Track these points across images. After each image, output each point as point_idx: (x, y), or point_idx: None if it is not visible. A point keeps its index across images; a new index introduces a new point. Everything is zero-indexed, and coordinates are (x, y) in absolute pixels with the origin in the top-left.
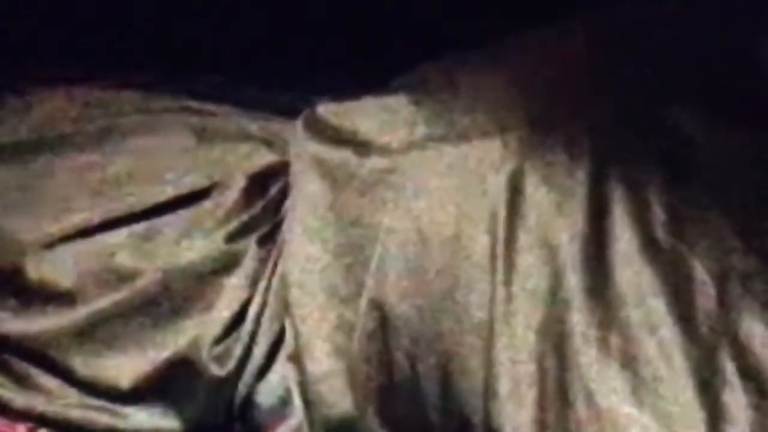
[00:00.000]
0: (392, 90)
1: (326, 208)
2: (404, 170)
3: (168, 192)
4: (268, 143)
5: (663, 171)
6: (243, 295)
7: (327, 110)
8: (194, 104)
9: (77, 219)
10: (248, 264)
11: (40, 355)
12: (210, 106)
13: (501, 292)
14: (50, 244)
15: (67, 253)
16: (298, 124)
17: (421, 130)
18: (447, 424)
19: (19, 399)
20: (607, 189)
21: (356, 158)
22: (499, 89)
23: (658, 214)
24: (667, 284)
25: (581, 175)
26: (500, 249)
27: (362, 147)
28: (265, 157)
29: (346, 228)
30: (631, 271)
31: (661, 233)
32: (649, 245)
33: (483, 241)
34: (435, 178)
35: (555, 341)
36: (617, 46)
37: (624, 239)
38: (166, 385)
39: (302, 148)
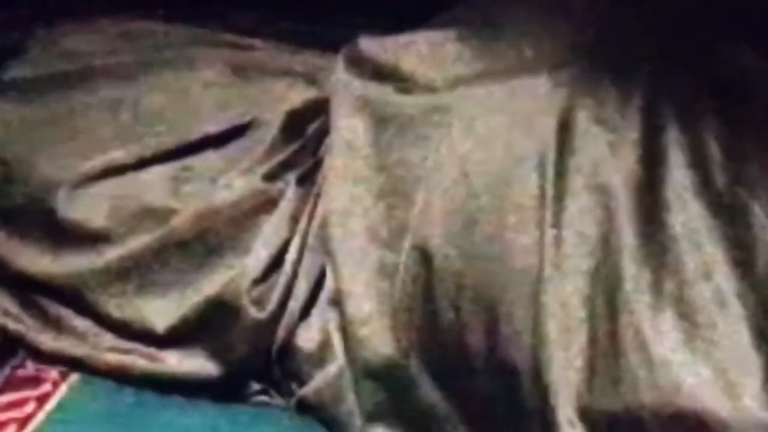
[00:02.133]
0: (436, 24)
1: (368, 147)
2: (449, 108)
3: (203, 129)
4: (308, 79)
5: (719, 108)
6: (282, 235)
7: (369, 45)
8: (231, 38)
9: (109, 157)
10: (287, 204)
11: (72, 296)
12: (247, 40)
13: (550, 235)
14: (82, 183)
15: (100, 192)
16: (339, 59)
17: (466, 67)
18: (492, 370)
19: (50, 342)
20: (661, 128)
21: (399, 95)
22: (547, 24)
23: (715, 154)
24: (723, 228)
25: (634, 113)
26: (549, 191)
27: (405, 83)
28: (304, 94)
29: (388, 168)
30: (687, 214)
31: (718, 174)
32: (706, 187)
33: (532, 182)
34: (481, 116)
35: (606, 286)
36: None
37: (680, 181)
38: (203, 328)
39: (343, 84)
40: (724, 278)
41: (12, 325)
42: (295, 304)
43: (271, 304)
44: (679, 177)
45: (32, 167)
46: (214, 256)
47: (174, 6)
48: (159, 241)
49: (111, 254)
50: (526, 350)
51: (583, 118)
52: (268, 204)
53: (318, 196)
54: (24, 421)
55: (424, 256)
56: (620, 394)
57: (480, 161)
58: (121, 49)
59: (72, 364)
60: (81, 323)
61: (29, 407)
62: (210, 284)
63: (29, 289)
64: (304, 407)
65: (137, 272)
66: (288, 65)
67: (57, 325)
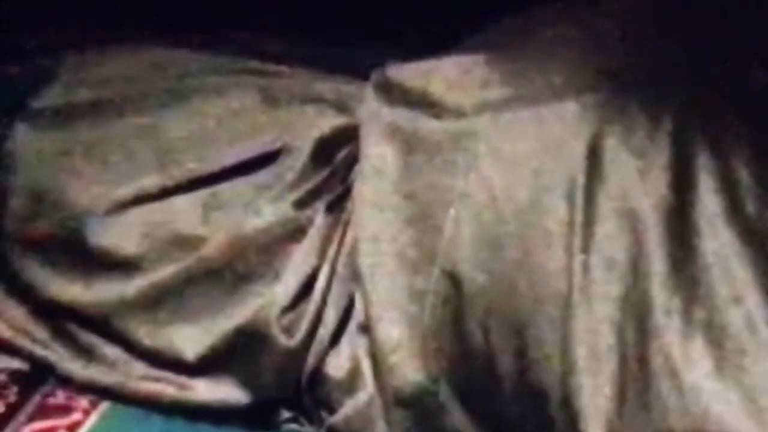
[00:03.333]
0: (464, 49)
1: (396, 173)
2: (478, 133)
3: (233, 156)
4: (337, 106)
5: (749, 133)
6: (311, 263)
7: (398, 71)
8: (260, 65)
9: (140, 184)
10: (316, 231)
11: (102, 324)
12: (276, 67)
13: (579, 261)
14: (112, 211)
15: (130, 219)
16: (368, 85)
17: (495, 92)
18: (521, 396)
19: (81, 371)
20: (690, 153)
21: (428, 120)
22: (575, 48)
23: (745, 180)
24: (753, 254)
25: (663, 138)
26: (578, 216)
27: (434, 109)
28: (333, 120)
29: (417, 194)
30: (717, 240)
31: (748, 200)
32: (736, 213)
33: (560, 207)
34: (509, 141)
35: (635, 313)
36: (687, 4)
37: (709, 207)
38: (233, 356)
39: (372, 110)
40: (755, 305)
41: (42, 353)
42: (324, 332)
43: (301, 332)
44: (709, 202)
45: (63, 195)
46: (244, 284)
47: (202, 33)
48: (189, 268)
49: (141, 282)
50: (556, 375)
51: (612, 144)
52: (298, 231)
53: (347, 223)
54: None
55: (453, 281)
56: (650, 421)
57: (508, 187)
58: (150, 77)
59: (102, 392)
60: (111, 351)
61: None
62: (240, 312)
63: (60, 317)
64: None
65: (167, 300)
66: (317, 92)
67: (87, 354)
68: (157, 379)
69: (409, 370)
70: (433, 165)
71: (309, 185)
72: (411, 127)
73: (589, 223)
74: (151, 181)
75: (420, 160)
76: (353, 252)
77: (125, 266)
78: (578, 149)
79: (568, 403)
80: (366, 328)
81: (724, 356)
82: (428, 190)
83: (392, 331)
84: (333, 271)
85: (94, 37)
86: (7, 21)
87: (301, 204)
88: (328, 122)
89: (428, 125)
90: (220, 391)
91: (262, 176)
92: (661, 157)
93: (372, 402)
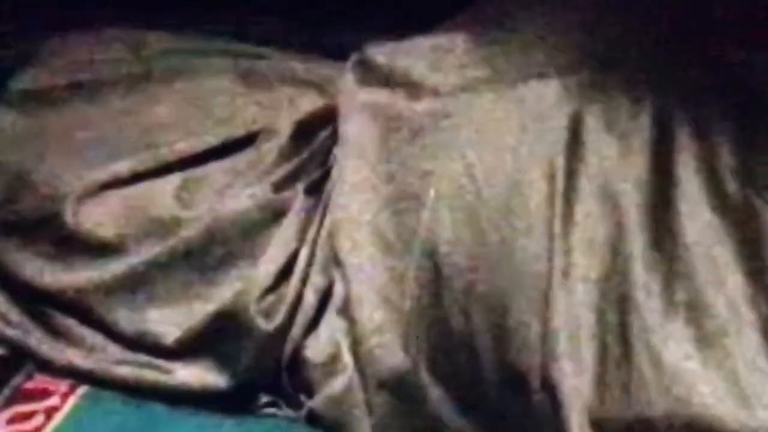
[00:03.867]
0: (445, 30)
1: (376, 155)
2: (457, 113)
3: (212, 139)
4: (316, 87)
5: (730, 113)
6: (291, 246)
7: (377, 52)
8: (239, 47)
9: (117, 167)
10: (296, 214)
11: (80, 308)
12: (256, 49)
13: (559, 242)
14: (89, 193)
15: (108, 201)
16: (348, 66)
17: (474, 71)
18: (501, 380)
19: (59, 355)
20: (672, 134)
21: (407, 101)
22: (557, 29)
23: (727, 160)
24: (735, 235)
25: (644, 119)
26: (559, 197)
27: (413, 89)
28: (313, 102)
29: (397, 175)
30: (698, 221)
31: (729, 180)
32: (718, 193)
33: (540, 188)
34: (490, 121)
35: (616, 295)
36: None
37: (690, 187)
38: (213, 339)
39: (351, 91)
40: (736, 285)
41: (19, 337)
42: (303, 315)
43: (280, 315)
44: (689, 183)
45: (39, 178)
46: (223, 267)
47: (182, 16)
48: (167, 252)
49: (119, 265)
50: (536, 358)
51: (592, 124)
52: (277, 214)
53: (327, 205)
54: None
55: (433, 263)
56: (631, 404)
57: (488, 168)
58: (128, 60)
59: (80, 376)
60: (90, 335)
61: (37, 420)
62: (219, 296)
63: (37, 301)
64: (314, 419)
65: (145, 283)
66: (296, 74)
67: (65, 338)
68: (135, 363)
69: (390, 354)
70: (412, 146)
71: (288, 167)
72: (390, 107)
73: (569, 204)
74: (128, 164)
75: (399, 142)
76: (333, 235)
77: (103, 249)
78: (559, 129)
79: (548, 386)
80: (346, 312)
81: (706, 337)
82: (408, 171)
83: (372, 314)
84: (312, 254)
85: (72, 19)
86: None
87: (280, 186)
88: (307, 104)
89: (408, 106)
90: (199, 375)
91: (240, 159)
92: (641, 137)
93: (352, 386)
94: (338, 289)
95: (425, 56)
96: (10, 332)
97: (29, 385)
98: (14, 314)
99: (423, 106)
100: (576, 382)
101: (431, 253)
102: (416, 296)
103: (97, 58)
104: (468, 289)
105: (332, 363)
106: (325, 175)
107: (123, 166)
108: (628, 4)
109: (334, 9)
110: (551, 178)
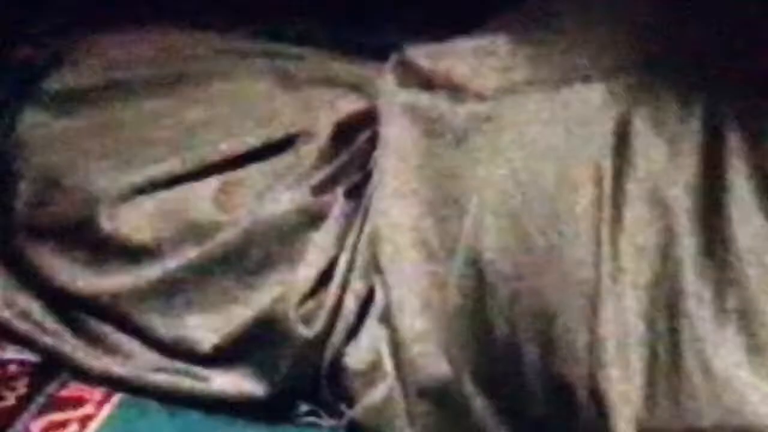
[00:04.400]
0: (488, 30)
1: (418, 158)
2: (502, 117)
3: (250, 141)
4: (356, 88)
5: None
6: (330, 251)
7: (418, 53)
8: (277, 47)
9: (154, 170)
10: (335, 218)
11: (116, 314)
12: (294, 49)
13: (607, 248)
14: (125, 196)
15: (143, 205)
16: (388, 67)
17: (519, 74)
18: (547, 390)
19: (94, 362)
20: (723, 137)
21: (450, 104)
22: (604, 29)
23: None
24: None
25: (694, 122)
26: (606, 202)
27: (456, 92)
28: (352, 104)
29: (439, 179)
30: (750, 227)
31: None
32: None
33: (587, 193)
34: (535, 125)
35: (666, 302)
36: None
37: (742, 192)
38: (250, 346)
39: (392, 93)
40: None
41: (54, 345)
42: (344, 322)
43: (320, 321)
44: (740, 188)
45: (74, 181)
46: (261, 273)
47: (218, 15)
48: (204, 256)
49: (155, 270)
50: (584, 368)
51: (640, 127)
52: (317, 218)
53: (367, 209)
54: None
55: (477, 269)
56: (682, 412)
57: (533, 172)
58: (164, 60)
59: (115, 384)
60: (125, 342)
61: (72, 429)
62: (257, 301)
63: (72, 307)
64: (354, 428)
65: (183, 289)
66: (336, 75)
67: (100, 344)
68: (172, 370)
69: (432, 363)
70: (455, 150)
71: (328, 171)
72: (432, 110)
73: (617, 208)
74: (165, 167)
75: (442, 145)
76: (373, 240)
77: (139, 254)
78: (606, 133)
79: (596, 396)
80: (386, 319)
81: (758, 345)
82: (451, 175)
83: (414, 321)
84: (353, 259)
85: (105, 18)
86: (15, 2)
87: (319, 190)
88: (347, 105)
89: (450, 109)
90: (236, 382)
91: (279, 161)
92: (692, 140)
93: (393, 394)
94: (379, 296)
95: (467, 58)
96: (45, 339)
97: (64, 393)
98: (49, 321)
99: (466, 109)
100: (624, 391)
101: (475, 260)
102: (459, 304)
103: (133, 58)
104: (513, 296)
105: (373, 371)
106: (365, 179)
107: (160, 169)
108: (677, 3)
109: (374, 8)
110: (598, 181)
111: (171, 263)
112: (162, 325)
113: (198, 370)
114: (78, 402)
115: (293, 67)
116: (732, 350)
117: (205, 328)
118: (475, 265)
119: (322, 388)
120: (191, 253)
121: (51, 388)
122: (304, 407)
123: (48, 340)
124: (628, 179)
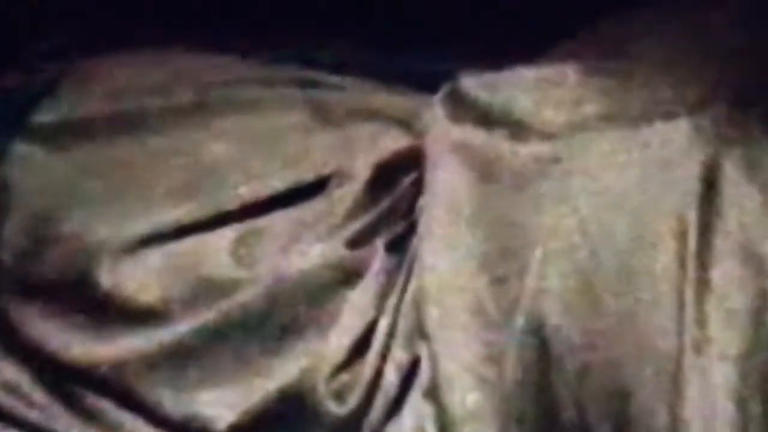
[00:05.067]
0: (554, 57)
1: (471, 206)
2: (569, 158)
3: (275, 184)
4: (399, 123)
5: None
6: (368, 314)
7: (472, 83)
8: (308, 74)
9: (163, 217)
10: (374, 275)
11: (117, 387)
12: (328, 77)
13: (691, 313)
14: (129, 248)
15: (151, 258)
16: (438, 99)
17: (590, 109)
18: None
19: None
20: None
21: (509, 143)
22: (687, 57)
23: None
24: None
25: None
26: (691, 258)
27: (516, 129)
28: (395, 141)
29: (496, 231)
30: None
31: None
32: None
33: (669, 248)
34: (608, 169)
35: (759, 376)
36: None
37: None
38: (273, 425)
39: (441, 129)
40: None
41: (45, 422)
42: (383, 398)
43: (355, 397)
44: None
45: (70, 229)
46: (287, 339)
47: (240, 37)
48: (221, 319)
49: (164, 336)
50: None
51: (730, 172)
52: (352, 275)
53: (411, 265)
54: None
55: (539, 338)
56: None
57: (606, 223)
58: (176, 88)
59: None
60: (128, 420)
61: None
62: (281, 373)
63: (65, 378)
64: None
65: (195, 357)
66: (376, 107)
67: (99, 422)
68: None
69: None
70: (515, 196)
71: (365, 219)
72: (489, 149)
73: (704, 267)
74: (176, 214)
75: (499, 191)
76: (418, 301)
77: (144, 316)
78: (691, 178)
79: None
80: (433, 394)
81: None
82: (509, 226)
83: (465, 397)
84: (394, 324)
85: (109, 39)
86: (4, 21)
87: (355, 242)
88: (389, 143)
89: (510, 148)
90: None
91: (308, 208)
92: None
93: None
94: (425, 367)
95: (530, 89)
96: (34, 416)
97: None
98: (38, 394)
99: (528, 149)
100: None
101: (537, 327)
102: (518, 378)
103: (137, 87)
104: (582, 370)
105: None
106: (410, 230)
107: (169, 217)
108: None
109: (421, 31)
110: (682, 235)
111: (181, 327)
112: (170, 401)
113: None
114: None
115: (327, 97)
116: None
117: (220, 404)
118: (538, 333)
119: None
120: (205, 316)
121: None
122: None
123: (37, 417)
124: (716, 233)
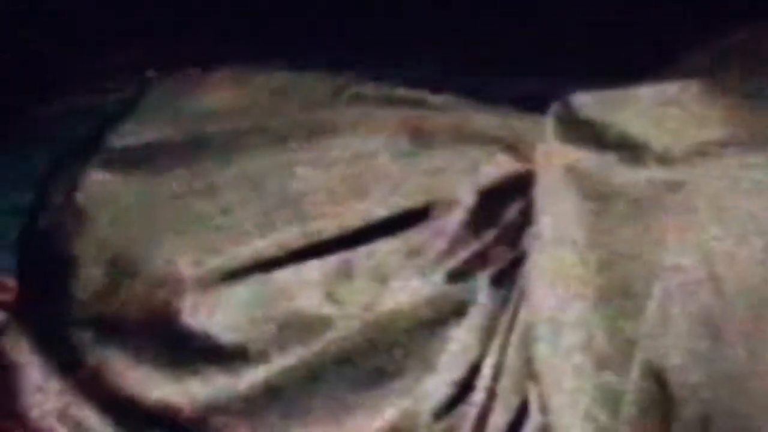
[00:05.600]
0: (675, 74)
1: (584, 237)
2: (692, 185)
3: (372, 213)
4: (506, 146)
5: None
6: (472, 352)
7: (585, 103)
8: (407, 94)
9: (248, 249)
10: (479, 311)
11: (200, 430)
12: (429, 97)
13: None
14: (213, 283)
15: (236, 294)
16: (547, 121)
17: (715, 131)
18: None
19: None
20: None
21: (626, 168)
22: None
23: None
24: None
25: None
26: None
27: (633, 153)
28: (501, 166)
29: (612, 264)
30: None
31: None
32: None
33: None
34: (735, 197)
35: None
36: None
37: None
38: None
39: (551, 153)
40: None
41: None
42: None
43: None
44: None
45: (149, 262)
46: (384, 380)
47: (333, 52)
48: (312, 359)
49: (250, 377)
50: None
51: None
52: (455, 311)
53: (519, 301)
54: None
55: (658, 379)
56: None
57: (734, 257)
58: (263, 109)
59: None
60: None
61: None
62: (378, 416)
63: (144, 423)
64: None
65: (284, 399)
66: (480, 129)
67: None
68: None
69: None
70: (632, 226)
71: (469, 251)
72: (603, 175)
73: None
74: (262, 245)
75: (615, 220)
76: (527, 339)
77: (230, 356)
78: None
79: None
80: None
81: None
82: (626, 259)
83: None
84: (501, 363)
85: (192, 55)
86: (78, 37)
87: (459, 275)
88: (494, 168)
89: (627, 174)
90: None
91: (407, 239)
92: None
93: None
94: (534, 411)
95: (648, 110)
96: None
97: None
98: None
99: (646, 174)
100: None
101: (657, 369)
102: (635, 422)
103: (220, 108)
104: (705, 417)
105: None
106: (517, 262)
107: (254, 248)
108: None
109: (529, 46)
110: None
111: (270, 368)
112: None
113: None
114: None
115: (426, 118)
116: None
117: None
118: (657, 376)
119: None
120: (295, 355)
121: None
122: None
123: None
124: None
